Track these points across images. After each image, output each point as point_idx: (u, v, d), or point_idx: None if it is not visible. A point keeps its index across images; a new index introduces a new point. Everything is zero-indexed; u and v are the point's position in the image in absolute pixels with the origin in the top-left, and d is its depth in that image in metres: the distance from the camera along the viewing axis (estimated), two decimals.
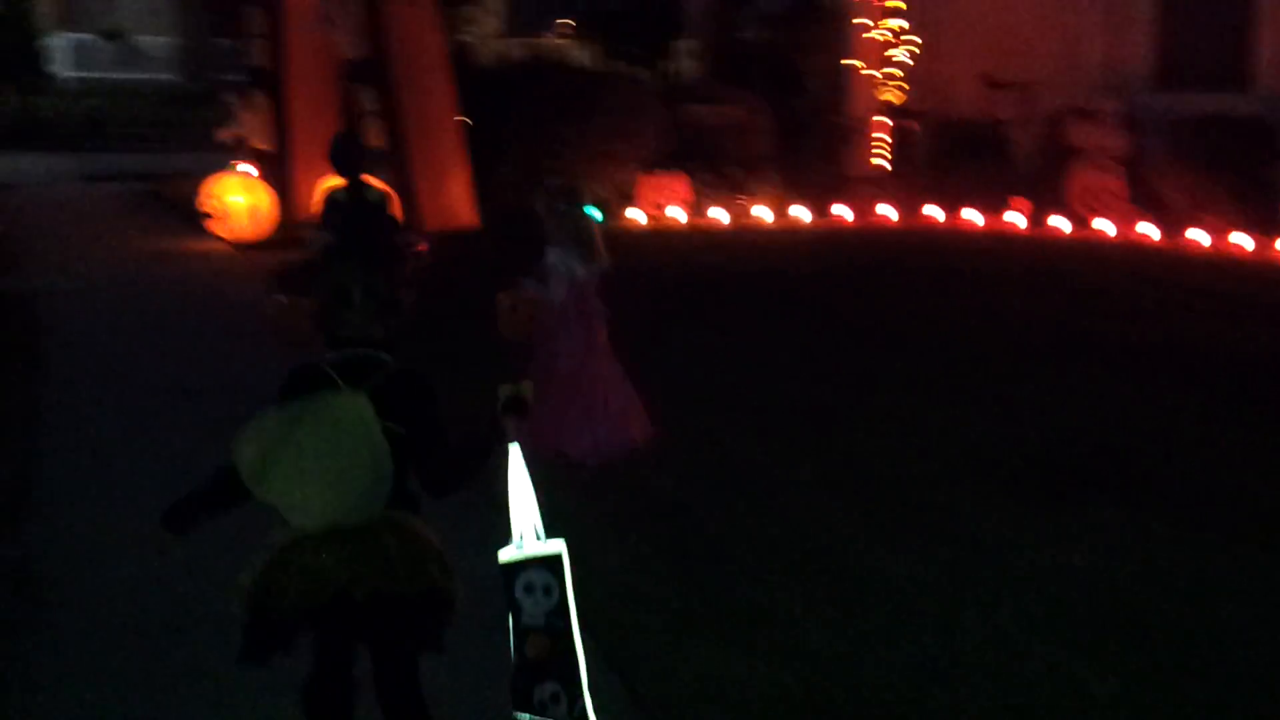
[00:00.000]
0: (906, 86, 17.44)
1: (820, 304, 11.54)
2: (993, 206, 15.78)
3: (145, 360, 9.69)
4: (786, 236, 15.02)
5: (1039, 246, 14.24)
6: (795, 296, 11.92)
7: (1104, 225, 14.83)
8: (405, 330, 3.91)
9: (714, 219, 15.91)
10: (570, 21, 24.01)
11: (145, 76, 38.20)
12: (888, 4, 17.51)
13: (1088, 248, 14.17)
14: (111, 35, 39.85)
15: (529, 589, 3.82)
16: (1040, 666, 5.03)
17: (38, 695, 4.87)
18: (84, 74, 38.03)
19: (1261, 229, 13.98)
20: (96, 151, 25.57)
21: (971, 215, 15.65)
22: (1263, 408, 8.59)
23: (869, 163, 17.47)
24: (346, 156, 8.45)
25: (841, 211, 16.09)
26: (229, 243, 14.55)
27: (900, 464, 7.47)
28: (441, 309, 11.21)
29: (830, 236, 14.98)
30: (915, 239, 14.78)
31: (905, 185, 16.73)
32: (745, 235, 15.11)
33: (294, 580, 3.56)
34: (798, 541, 6.36)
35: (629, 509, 6.78)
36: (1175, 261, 13.60)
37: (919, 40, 17.51)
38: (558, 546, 3.86)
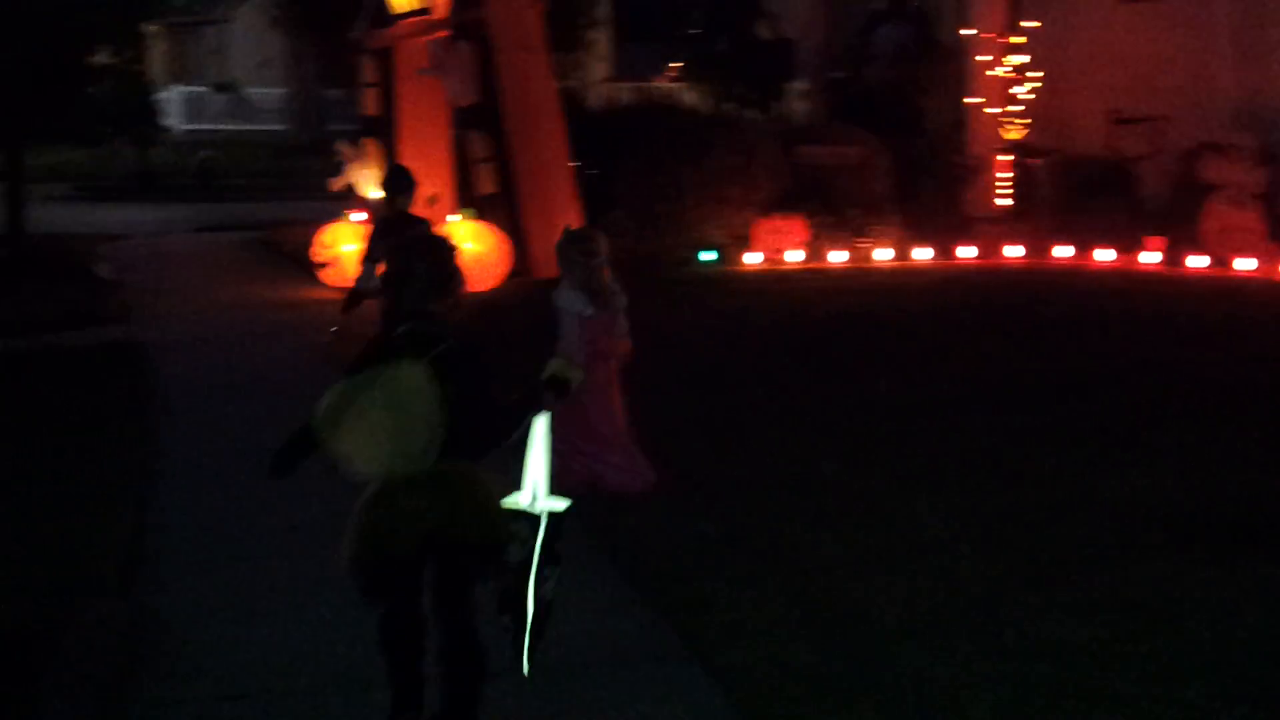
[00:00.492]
0: (1029, 123, 16.88)
1: (952, 350, 11.02)
2: (1123, 246, 15.16)
3: (257, 413, 9.44)
4: (909, 279, 14.51)
5: (1178, 287, 13.57)
6: (924, 342, 11.43)
7: (1245, 264, 14.15)
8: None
9: (833, 262, 15.47)
10: (678, 65, 23.76)
11: (256, 127, 38.80)
12: (1010, 40, 17.00)
13: (1229, 288, 13.49)
14: (223, 88, 40.51)
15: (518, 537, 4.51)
16: None
17: None
18: (196, 126, 38.70)
19: None
20: (208, 202, 25.80)
21: (1103, 255, 15.03)
22: None
23: (992, 202, 16.92)
24: (392, 185, 8.73)
25: (966, 252, 15.56)
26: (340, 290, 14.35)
27: (1053, 521, 6.99)
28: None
29: (955, 279, 14.44)
30: (1046, 280, 14.20)
31: (1030, 225, 16.16)
32: (866, 278, 14.63)
33: (401, 520, 4.30)
34: (951, 602, 5.95)
35: (767, 568, 6.41)
36: None
37: (1041, 76, 16.97)
38: (563, 504, 4.60)
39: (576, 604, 5.74)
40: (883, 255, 15.53)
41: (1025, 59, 17.00)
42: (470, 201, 14.53)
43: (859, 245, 15.59)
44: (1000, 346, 11.15)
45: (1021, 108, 16.90)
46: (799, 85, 21.15)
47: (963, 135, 17.32)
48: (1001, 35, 17.08)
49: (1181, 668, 5.19)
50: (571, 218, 14.80)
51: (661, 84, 23.35)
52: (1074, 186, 16.55)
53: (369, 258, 8.56)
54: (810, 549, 6.70)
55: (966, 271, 14.92)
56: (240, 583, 6.38)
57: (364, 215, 15.24)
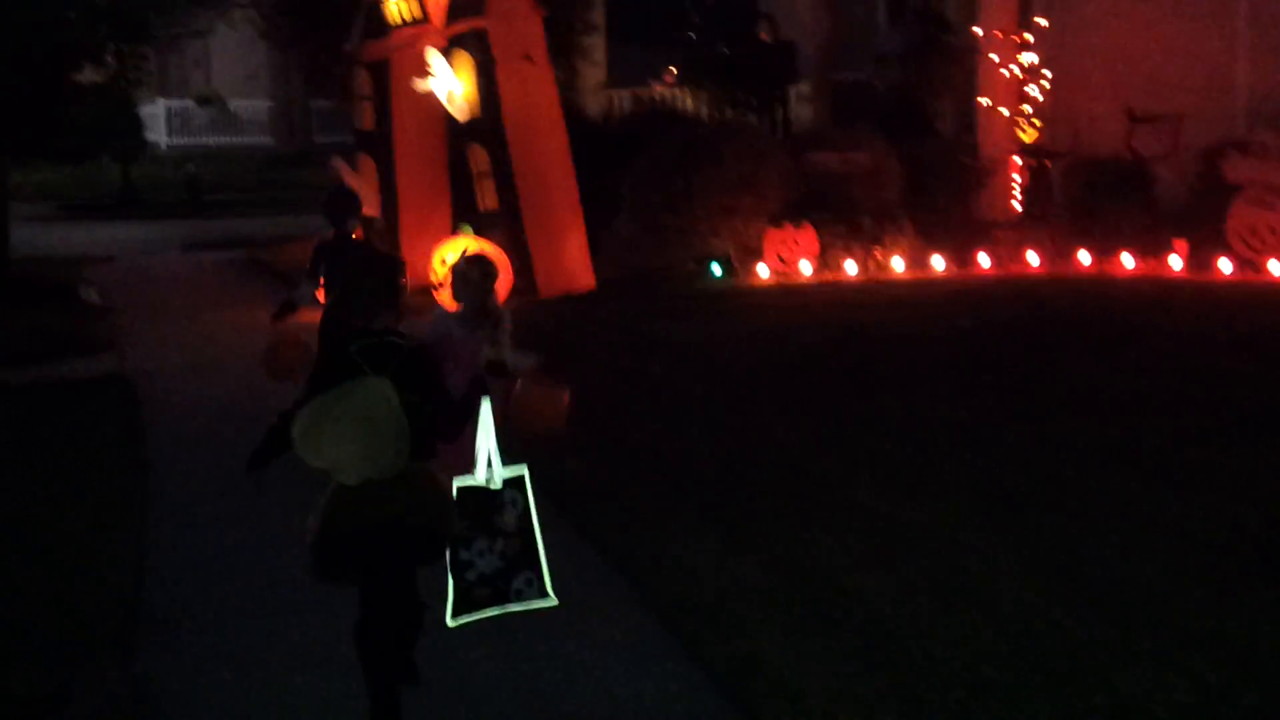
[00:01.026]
0: (1041, 124, 16.39)
1: (986, 366, 10.50)
2: (1145, 249, 14.66)
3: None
4: (928, 289, 13.99)
5: (1213, 293, 13.06)
6: (955, 357, 10.92)
7: (1276, 267, 13.65)
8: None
9: (846, 272, 14.95)
10: (674, 69, 23.24)
11: (242, 140, 38.29)
12: (1021, 38, 16.53)
13: (1265, 293, 12.98)
14: (207, 101, 39.95)
15: (513, 502, 5.30)
16: None
17: None
18: (181, 140, 38.18)
19: None
20: (195, 218, 25.31)
21: (1127, 260, 14.53)
22: None
23: (1006, 207, 16.44)
24: (334, 208, 8.65)
25: (981, 260, 15.05)
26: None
27: (1126, 553, 6.54)
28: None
29: (975, 289, 13.91)
30: (1071, 289, 13.67)
31: (1046, 229, 15.65)
32: (883, 289, 14.12)
33: (364, 504, 4.78)
34: (1025, 651, 5.51)
35: (819, 618, 5.95)
36: None
37: (1051, 75, 16.50)
38: (521, 469, 5.34)
39: (611, 658, 5.56)
40: (896, 264, 15.02)
41: (1036, 58, 16.54)
42: (470, 218, 13.97)
43: (871, 254, 15.05)
44: (1038, 361, 10.65)
45: (1033, 109, 16.44)
46: (803, 88, 20.63)
47: (973, 137, 16.85)
48: (1011, 33, 16.63)
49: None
50: (576, 232, 14.31)
51: (659, 89, 22.80)
52: (1088, 188, 16.00)
53: (310, 275, 8.61)
54: (864, 592, 6.22)
55: (985, 281, 14.39)
56: (243, 640, 6.06)
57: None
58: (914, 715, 5.06)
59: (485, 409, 5.23)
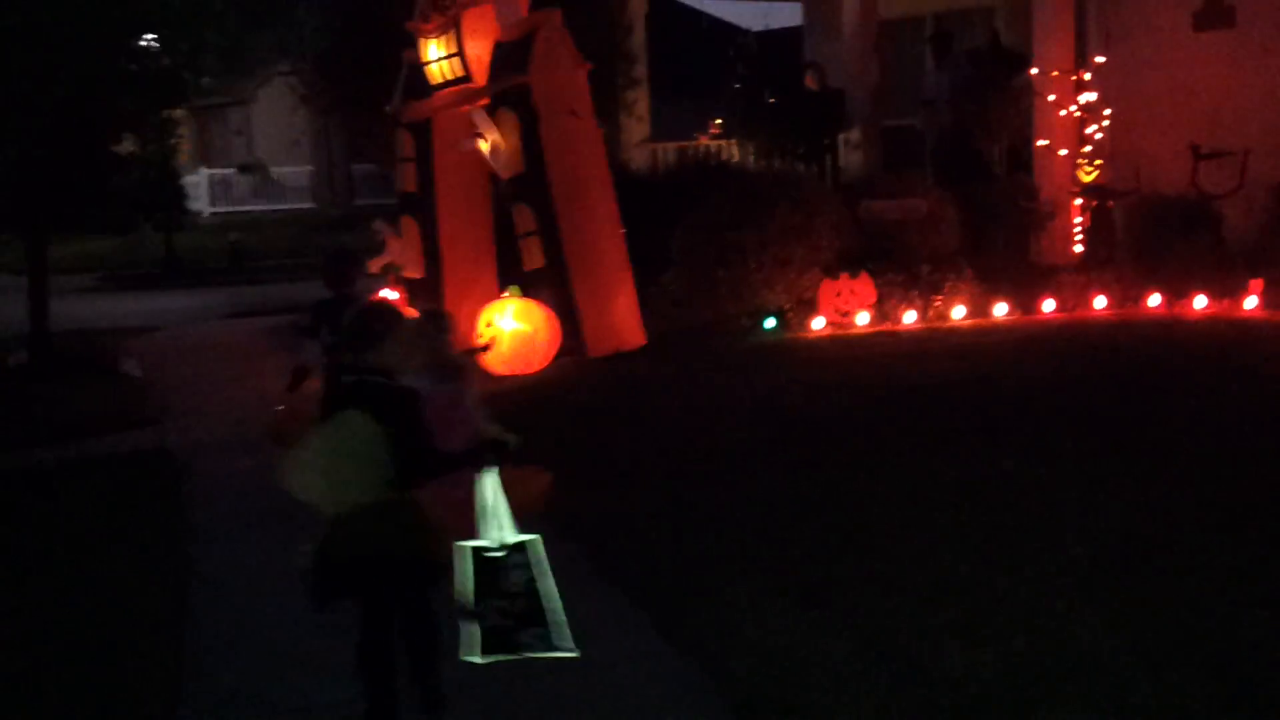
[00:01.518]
0: (1102, 164, 15.89)
1: (1069, 418, 9.92)
2: (1215, 290, 14.09)
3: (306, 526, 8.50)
4: (993, 337, 13.44)
5: None
6: (1023, 406, 10.38)
7: None
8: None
9: (903, 322, 14.45)
10: (719, 120, 22.90)
11: (284, 207, 38.37)
12: (1079, 77, 16.06)
13: None
14: (249, 169, 40.07)
15: (520, 566, 5.23)
16: None
17: None
18: (223, 208, 38.27)
19: None
20: (237, 285, 25.17)
21: (1199, 302, 13.96)
22: None
23: (1068, 250, 15.92)
24: (331, 272, 8.71)
25: (1046, 305, 14.51)
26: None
27: (1258, 635, 5.95)
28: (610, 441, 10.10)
29: (1043, 335, 13.37)
30: (1141, 332, 13.11)
31: (1111, 271, 15.11)
32: (946, 339, 13.58)
33: (353, 536, 5.08)
34: None
35: (911, 698, 5.41)
36: None
37: (1110, 112, 16.02)
38: (531, 538, 5.27)
39: None
40: (958, 313, 14.51)
41: (1094, 96, 16.07)
42: (517, 279, 13.58)
43: (931, 303, 14.55)
44: (1121, 410, 10.09)
45: (1092, 148, 15.95)
46: (852, 135, 20.21)
47: (1033, 180, 16.35)
48: (1070, 72, 16.17)
49: None
50: (625, 288, 13.90)
51: (705, 142, 22.43)
52: (1154, 228, 15.45)
53: (310, 334, 8.57)
54: (961, 672, 5.70)
55: (1052, 327, 13.85)
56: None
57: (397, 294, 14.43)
58: None
59: (489, 481, 5.32)
